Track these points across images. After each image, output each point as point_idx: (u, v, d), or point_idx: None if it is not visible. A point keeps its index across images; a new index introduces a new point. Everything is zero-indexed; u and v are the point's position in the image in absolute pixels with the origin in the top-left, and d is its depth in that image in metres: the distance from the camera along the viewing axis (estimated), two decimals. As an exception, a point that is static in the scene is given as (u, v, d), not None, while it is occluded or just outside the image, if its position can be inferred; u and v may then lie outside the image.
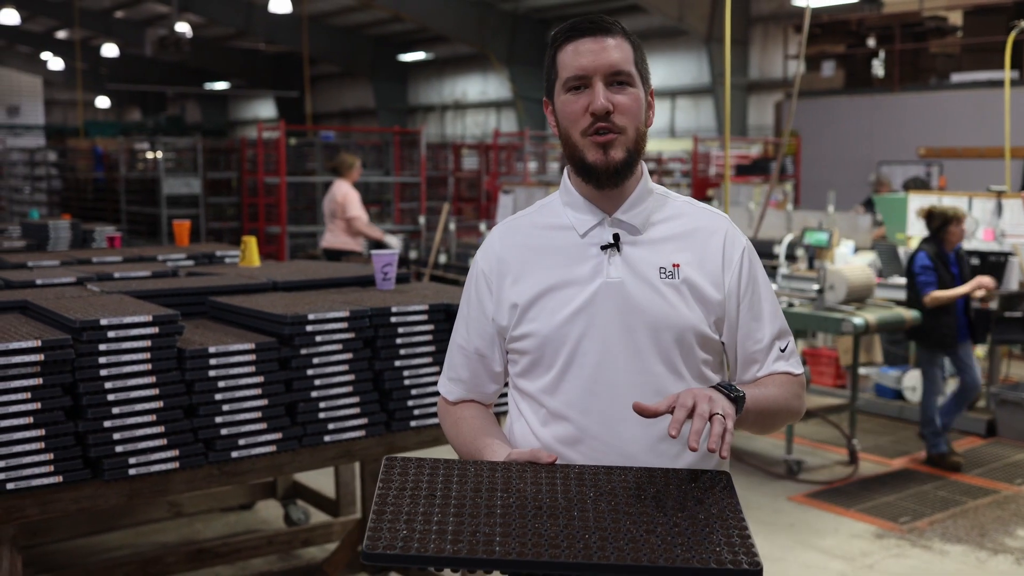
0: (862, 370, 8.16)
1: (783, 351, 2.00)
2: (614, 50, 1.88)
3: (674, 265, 1.93)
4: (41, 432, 2.79)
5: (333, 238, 9.31)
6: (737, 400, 1.78)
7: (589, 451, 1.92)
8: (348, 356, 3.30)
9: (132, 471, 2.90)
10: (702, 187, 15.15)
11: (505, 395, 2.10)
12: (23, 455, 2.76)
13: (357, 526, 4.30)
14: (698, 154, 16.44)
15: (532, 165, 17.33)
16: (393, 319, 3.37)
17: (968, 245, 7.23)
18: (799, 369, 2.02)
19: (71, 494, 2.87)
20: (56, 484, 2.81)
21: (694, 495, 1.77)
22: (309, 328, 3.21)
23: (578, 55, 1.88)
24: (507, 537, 1.63)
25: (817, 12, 16.14)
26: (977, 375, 6.43)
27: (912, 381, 7.58)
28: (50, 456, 2.80)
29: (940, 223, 6.32)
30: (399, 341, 3.38)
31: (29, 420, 2.78)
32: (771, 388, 1.94)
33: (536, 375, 1.97)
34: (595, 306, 1.91)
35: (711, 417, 1.69)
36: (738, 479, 6.11)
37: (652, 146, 23.29)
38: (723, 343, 1.99)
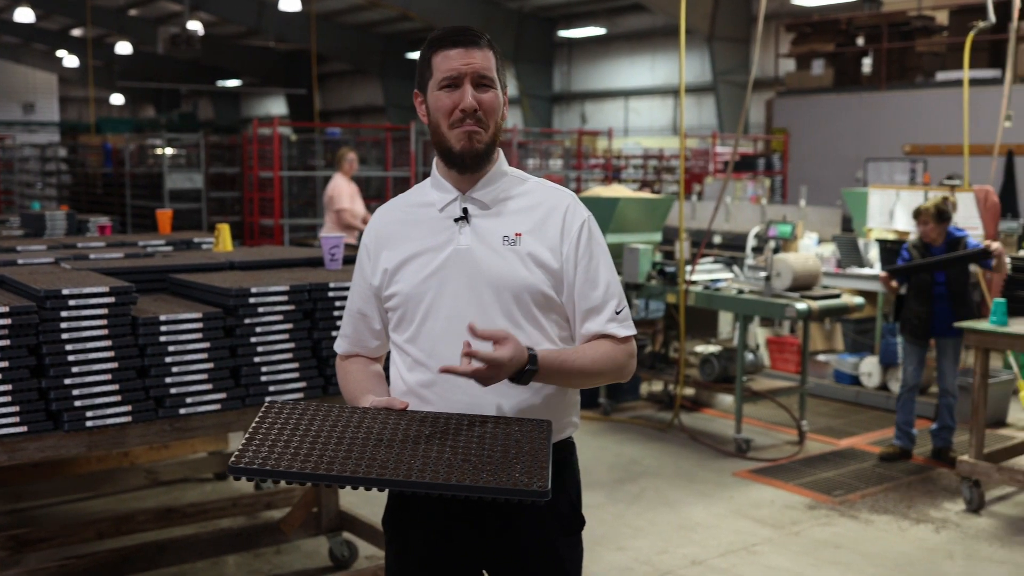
0: (823, 356, 8.51)
1: (617, 313, 2.35)
2: (481, 58, 2.25)
3: (516, 234, 2.29)
4: (8, 387, 3.18)
5: (326, 230, 9.74)
6: (528, 372, 2.16)
7: (443, 392, 2.28)
8: (288, 326, 3.68)
9: (89, 423, 3.29)
10: (689, 183, 15.53)
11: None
12: (-8, 407, 3.15)
13: (313, 491, 4.68)
14: (696, 151, 16.78)
15: (531, 161, 17.69)
16: (331, 294, 3.76)
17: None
18: (627, 332, 2.34)
19: (36, 443, 3.25)
20: (22, 433, 3.20)
21: (515, 437, 2.13)
22: (252, 300, 3.60)
23: (452, 60, 2.25)
24: (347, 460, 2.00)
25: (808, 11, 16.43)
26: (948, 380, 6.33)
27: (869, 367, 7.92)
28: (16, 408, 3.19)
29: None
30: (336, 314, 3.76)
31: (-2, 376, 3.17)
32: (587, 351, 2.27)
33: (402, 328, 2.34)
34: (447, 269, 2.27)
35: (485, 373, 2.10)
36: (689, 456, 6.50)
37: (654, 143, 23.66)
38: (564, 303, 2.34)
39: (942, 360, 6.44)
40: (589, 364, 2.25)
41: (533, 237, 2.29)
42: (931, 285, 6.34)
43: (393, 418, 2.18)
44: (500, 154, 2.38)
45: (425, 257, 2.30)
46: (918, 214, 6.40)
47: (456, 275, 2.26)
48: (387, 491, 2.42)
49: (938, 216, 6.32)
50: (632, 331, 2.35)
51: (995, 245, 6.09)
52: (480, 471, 1.99)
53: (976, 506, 5.58)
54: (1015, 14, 8.44)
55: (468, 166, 2.28)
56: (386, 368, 2.52)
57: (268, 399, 2.28)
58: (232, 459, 2.00)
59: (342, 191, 9.61)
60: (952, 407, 6.39)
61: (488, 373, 2.10)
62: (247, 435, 2.10)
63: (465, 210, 2.30)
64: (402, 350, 2.36)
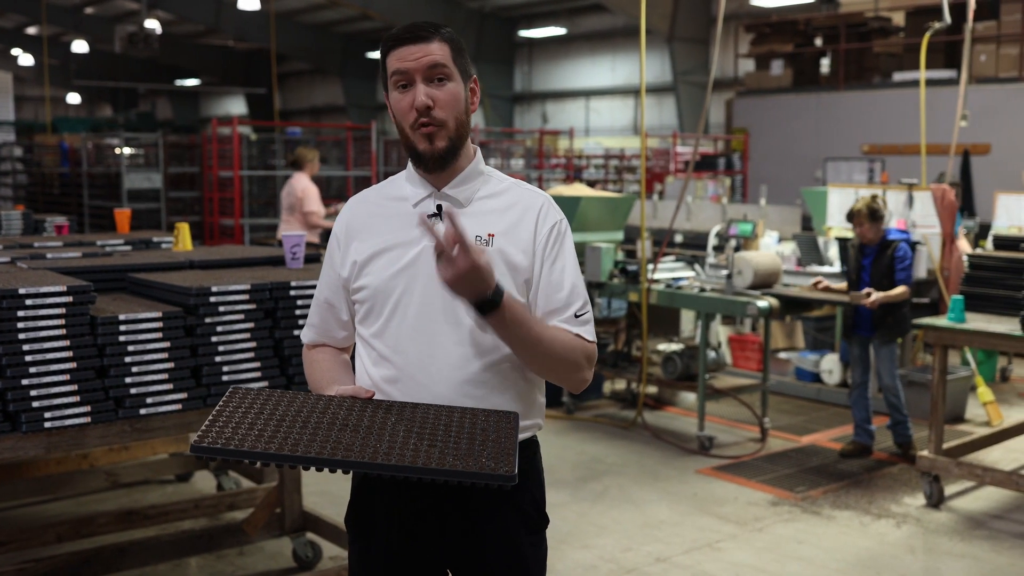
0: (784, 354, 8.57)
1: (578, 316, 2.31)
2: (432, 50, 2.22)
3: (489, 234, 2.26)
4: (-36, 389, 3.13)
5: (289, 229, 9.55)
6: (490, 301, 2.07)
7: (407, 389, 2.26)
8: (250, 325, 3.65)
9: (47, 424, 3.24)
10: (651, 182, 15.59)
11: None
12: (-54, 408, 3.10)
13: (275, 491, 4.65)
14: (656, 151, 16.85)
15: (493, 161, 17.70)
16: (292, 292, 3.73)
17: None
18: (589, 336, 2.31)
19: (-8, 445, 3.20)
20: (-22, 436, 3.15)
21: (481, 426, 2.12)
22: (212, 299, 3.56)
23: (401, 59, 2.23)
24: (312, 443, 1.98)
25: (767, 12, 16.54)
26: (884, 378, 6.45)
27: (829, 365, 7.98)
28: (-28, 410, 3.14)
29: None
30: (298, 312, 3.73)
31: (-48, 378, 3.11)
32: (549, 328, 2.25)
33: (369, 322, 2.32)
34: (417, 266, 2.25)
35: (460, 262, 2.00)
36: (653, 454, 6.52)
37: (615, 143, 23.73)
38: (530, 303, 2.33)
39: (876, 358, 6.56)
40: (548, 338, 2.21)
41: (506, 239, 2.27)
42: (856, 285, 6.51)
43: (359, 405, 2.16)
44: (478, 152, 2.35)
45: (396, 252, 2.28)
46: (852, 216, 6.47)
47: (426, 272, 2.23)
48: (349, 489, 2.40)
49: (871, 216, 6.40)
50: (591, 336, 2.31)
51: (869, 300, 6.21)
52: (446, 456, 1.97)
53: (936, 501, 5.64)
54: (970, 15, 8.55)
55: (432, 167, 2.26)
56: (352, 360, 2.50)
57: (232, 387, 2.24)
58: (194, 439, 1.97)
59: (311, 193, 9.49)
60: (895, 404, 6.47)
61: (459, 260, 2.00)
62: (210, 417, 2.07)
63: (439, 207, 2.28)
64: (368, 344, 2.34)
